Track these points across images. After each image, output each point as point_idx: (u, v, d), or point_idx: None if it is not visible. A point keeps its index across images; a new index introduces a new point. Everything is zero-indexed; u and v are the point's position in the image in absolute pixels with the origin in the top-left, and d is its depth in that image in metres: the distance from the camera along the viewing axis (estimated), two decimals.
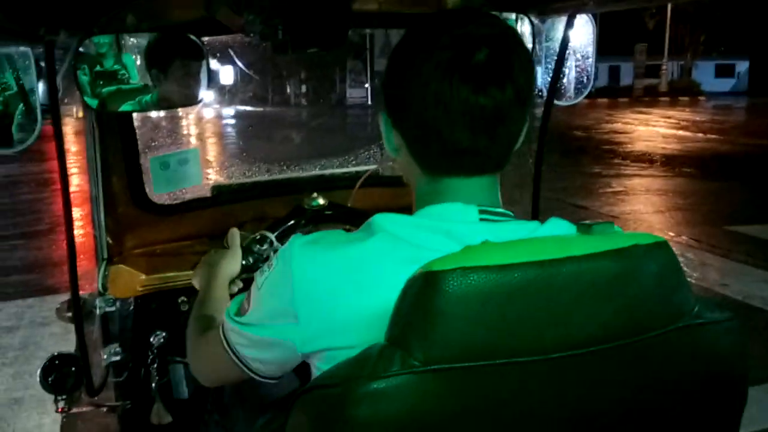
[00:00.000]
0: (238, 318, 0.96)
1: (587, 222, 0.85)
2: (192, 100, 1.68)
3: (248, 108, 17.31)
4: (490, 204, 0.91)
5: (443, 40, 0.84)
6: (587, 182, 9.49)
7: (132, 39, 1.57)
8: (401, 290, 0.73)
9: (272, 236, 1.56)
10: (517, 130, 0.90)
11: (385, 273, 0.82)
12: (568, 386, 0.73)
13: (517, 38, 0.89)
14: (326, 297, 0.84)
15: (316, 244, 0.88)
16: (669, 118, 19.17)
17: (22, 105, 1.39)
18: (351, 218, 1.67)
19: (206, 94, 1.60)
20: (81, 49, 1.42)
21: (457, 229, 0.86)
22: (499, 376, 0.71)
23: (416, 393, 0.70)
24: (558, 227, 0.91)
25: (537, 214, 1.71)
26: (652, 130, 16.21)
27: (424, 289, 0.70)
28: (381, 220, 0.88)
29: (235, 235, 1.50)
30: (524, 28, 1.68)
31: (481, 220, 0.88)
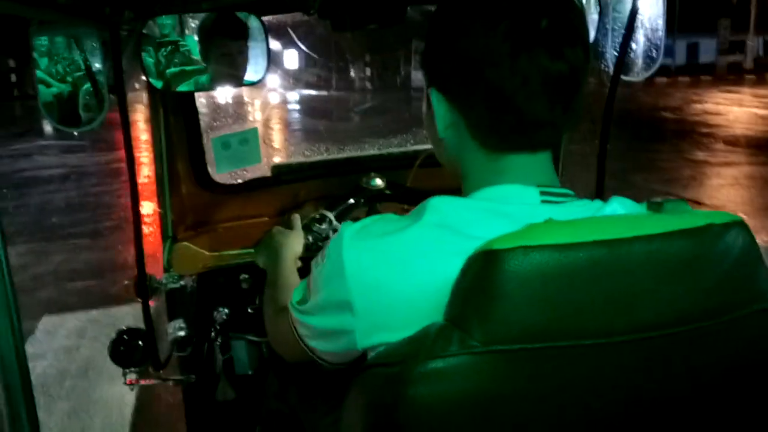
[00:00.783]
0: (300, 307, 0.95)
1: (657, 199, 0.80)
2: (252, 79, 1.68)
3: (312, 92, 17.41)
4: (549, 183, 0.86)
5: (504, 7, 0.80)
6: (696, 172, 8.31)
7: (194, 19, 1.59)
8: (461, 269, 0.70)
9: (331, 215, 1.56)
10: (582, 95, 0.85)
11: (437, 261, 0.78)
12: (632, 371, 0.70)
13: (574, 1, 0.84)
14: (380, 287, 0.81)
15: (367, 233, 0.85)
16: (763, 97, 17.89)
17: (89, 85, 1.42)
18: (409, 198, 1.65)
19: (270, 77, 1.61)
20: (144, 30, 1.44)
21: (519, 211, 0.82)
22: (560, 359, 0.68)
23: (475, 374, 0.68)
24: (623, 206, 0.86)
25: (602, 193, 1.65)
26: (747, 111, 14.94)
27: (484, 268, 0.68)
28: (437, 203, 0.83)
29: (296, 218, 1.51)
30: None
31: (543, 201, 0.84)
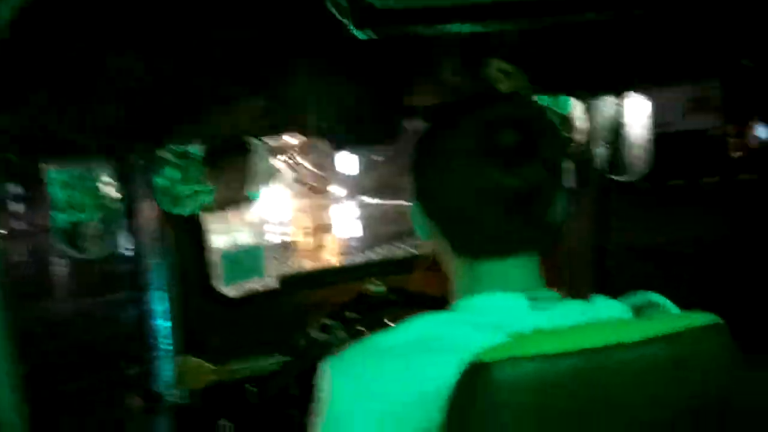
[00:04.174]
0: None
1: (638, 301, 0.83)
2: (250, 200, 1.77)
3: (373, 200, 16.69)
4: (534, 286, 0.88)
5: (468, 125, 0.85)
6: None
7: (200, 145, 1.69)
8: (456, 383, 0.73)
9: (335, 324, 1.58)
10: (553, 207, 0.87)
11: (419, 380, 0.79)
12: None
13: (544, 117, 0.89)
14: (367, 414, 0.81)
15: (353, 364, 0.85)
16: None
17: (103, 213, 1.50)
18: (411, 302, 1.68)
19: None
20: (153, 161, 1.53)
21: (506, 319, 0.84)
22: None
23: None
24: (607, 307, 0.88)
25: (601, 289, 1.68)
26: None
27: (474, 381, 0.71)
28: (421, 323, 0.85)
29: None
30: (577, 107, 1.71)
31: (531, 308, 0.86)
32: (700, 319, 0.75)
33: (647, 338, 0.72)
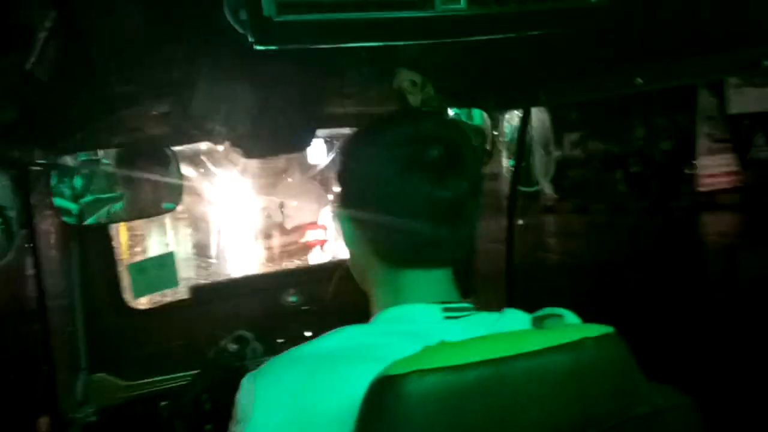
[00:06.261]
0: None
1: (540, 314, 0.87)
2: (170, 205, 1.72)
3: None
4: (450, 299, 0.92)
5: (398, 139, 0.88)
6: None
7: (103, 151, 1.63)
8: (363, 396, 0.73)
9: (250, 336, 1.56)
10: (474, 220, 0.93)
11: (336, 391, 0.80)
12: None
13: (467, 136, 0.94)
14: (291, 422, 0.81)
15: (278, 375, 0.84)
16: None
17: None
18: (328, 312, 1.68)
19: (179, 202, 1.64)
20: (54, 167, 1.47)
21: (423, 329, 0.87)
22: None
23: None
24: (516, 319, 0.92)
25: (511, 301, 1.73)
26: None
27: (382, 394, 0.71)
28: (345, 334, 0.87)
29: None
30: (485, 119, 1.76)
31: (445, 318, 0.89)
32: (597, 329, 0.79)
33: (548, 347, 0.75)
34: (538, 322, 0.82)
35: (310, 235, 2.34)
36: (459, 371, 0.72)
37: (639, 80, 1.25)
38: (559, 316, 0.86)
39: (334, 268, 1.85)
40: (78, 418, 1.57)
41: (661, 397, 0.80)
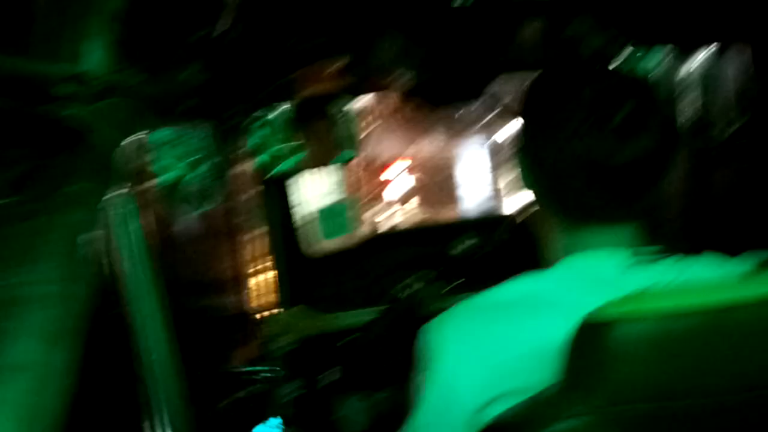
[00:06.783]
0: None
1: (755, 256, 0.83)
2: (342, 158, 1.82)
3: None
4: (638, 244, 0.89)
5: (579, 97, 0.85)
6: None
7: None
8: (572, 339, 0.74)
9: (432, 275, 1.64)
10: (662, 177, 0.88)
11: (536, 344, 0.82)
12: (749, 426, 0.73)
13: (653, 92, 0.89)
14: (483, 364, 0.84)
15: (462, 323, 0.88)
16: None
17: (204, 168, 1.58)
18: (506, 259, 1.70)
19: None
20: (248, 120, 1.60)
21: (608, 275, 0.86)
22: (685, 419, 0.72)
23: None
24: (714, 263, 0.89)
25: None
26: None
27: (593, 338, 0.73)
28: (528, 282, 0.88)
29: None
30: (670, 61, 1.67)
31: (634, 264, 0.87)
32: None
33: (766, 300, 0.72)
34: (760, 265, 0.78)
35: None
36: (667, 320, 0.71)
37: None
38: None
39: (511, 217, 1.87)
40: (279, 348, 1.73)
41: None
